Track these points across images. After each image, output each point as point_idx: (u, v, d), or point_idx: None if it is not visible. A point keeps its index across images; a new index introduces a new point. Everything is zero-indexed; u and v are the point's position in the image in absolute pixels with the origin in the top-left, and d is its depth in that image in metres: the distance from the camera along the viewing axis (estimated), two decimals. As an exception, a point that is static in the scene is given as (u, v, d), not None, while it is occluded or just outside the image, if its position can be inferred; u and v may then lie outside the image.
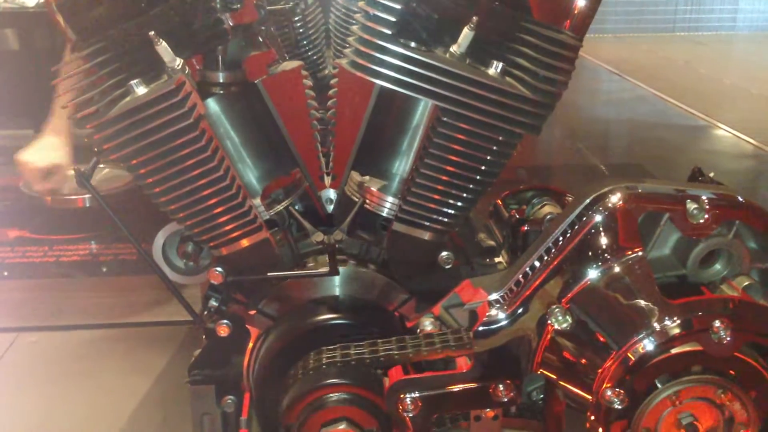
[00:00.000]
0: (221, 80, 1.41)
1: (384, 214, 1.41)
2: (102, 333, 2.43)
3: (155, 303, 2.56)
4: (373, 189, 1.41)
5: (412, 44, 1.27)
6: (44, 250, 3.05)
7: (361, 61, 1.27)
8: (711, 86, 6.66)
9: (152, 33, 1.23)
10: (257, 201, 1.41)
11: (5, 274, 2.95)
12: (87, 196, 3.10)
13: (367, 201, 1.42)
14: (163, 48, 1.25)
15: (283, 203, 1.44)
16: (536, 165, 4.35)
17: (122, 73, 1.26)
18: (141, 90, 1.25)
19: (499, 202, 1.63)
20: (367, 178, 1.43)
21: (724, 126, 5.27)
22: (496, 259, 1.55)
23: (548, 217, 1.47)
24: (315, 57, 2.33)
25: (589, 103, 6.23)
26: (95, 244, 3.08)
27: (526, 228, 1.47)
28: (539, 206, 1.59)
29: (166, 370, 2.18)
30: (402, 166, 1.42)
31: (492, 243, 1.56)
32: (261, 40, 1.49)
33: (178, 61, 1.26)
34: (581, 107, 5.95)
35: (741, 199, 1.24)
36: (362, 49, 1.27)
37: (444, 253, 1.42)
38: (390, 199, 1.41)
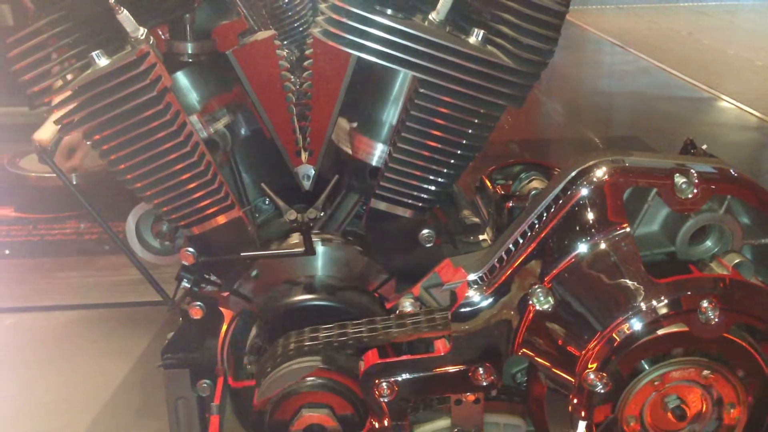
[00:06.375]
0: (189, 51, 1.35)
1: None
2: (81, 314, 2.38)
3: (139, 282, 2.47)
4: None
5: (388, 11, 1.20)
6: (29, 229, 3.00)
7: (333, 30, 1.21)
8: (715, 57, 6.55)
9: (112, 1, 1.17)
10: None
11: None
12: (74, 173, 3.04)
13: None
14: (125, 17, 1.18)
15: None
16: (532, 139, 4.27)
17: (83, 43, 1.21)
18: (103, 61, 1.19)
19: (485, 177, 1.57)
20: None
21: (728, 98, 5.18)
22: (481, 237, 1.49)
23: (533, 192, 1.41)
24: (301, 29, 2.26)
25: (590, 75, 6.14)
26: (84, 223, 3.02)
27: (510, 204, 1.41)
28: (527, 181, 1.53)
29: (146, 353, 2.14)
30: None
31: (476, 220, 1.51)
32: (237, 9, 1.43)
33: (142, 31, 1.20)
34: (582, 80, 5.86)
35: (733, 173, 1.18)
36: (334, 16, 1.20)
37: (425, 231, 1.37)
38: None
